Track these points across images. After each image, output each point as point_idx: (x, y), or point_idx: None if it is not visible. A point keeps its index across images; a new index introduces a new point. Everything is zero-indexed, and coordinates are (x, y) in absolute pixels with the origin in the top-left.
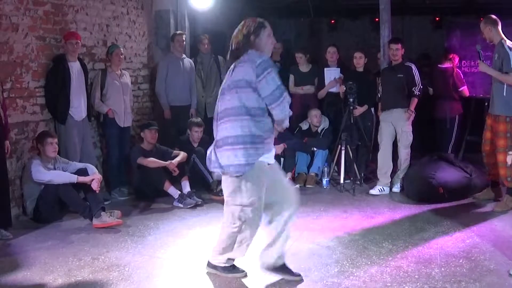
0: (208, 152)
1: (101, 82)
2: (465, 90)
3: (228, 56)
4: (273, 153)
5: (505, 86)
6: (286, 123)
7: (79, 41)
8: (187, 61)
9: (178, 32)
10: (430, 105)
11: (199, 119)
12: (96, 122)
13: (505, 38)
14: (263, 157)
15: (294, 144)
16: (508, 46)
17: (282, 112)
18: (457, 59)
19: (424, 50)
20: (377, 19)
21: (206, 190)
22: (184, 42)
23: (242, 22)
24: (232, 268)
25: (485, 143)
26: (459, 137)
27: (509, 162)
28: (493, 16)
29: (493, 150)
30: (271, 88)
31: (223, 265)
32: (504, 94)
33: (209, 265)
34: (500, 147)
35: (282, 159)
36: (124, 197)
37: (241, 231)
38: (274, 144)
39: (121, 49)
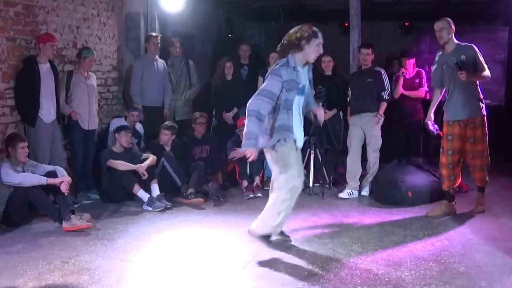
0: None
1: (66, 84)
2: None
3: (278, 48)
4: None
5: (478, 87)
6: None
7: (57, 44)
8: (161, 62)
9: (154, 34)
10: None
11: (169, 123)
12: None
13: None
14: None
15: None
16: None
17: (251, 105)
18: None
19: (394, 55)
20: (346, 24)
21: (175, 194)
22: (159, 44)
23: (300, 26)
24: None
25: (453, 154)
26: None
27: None
28: (450, 19)
29: (459, 159)
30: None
31: None
32: (480, 96)
33: None
34: (478, 152)
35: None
36: (88, 200)
37: None
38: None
39: (94, 55)
